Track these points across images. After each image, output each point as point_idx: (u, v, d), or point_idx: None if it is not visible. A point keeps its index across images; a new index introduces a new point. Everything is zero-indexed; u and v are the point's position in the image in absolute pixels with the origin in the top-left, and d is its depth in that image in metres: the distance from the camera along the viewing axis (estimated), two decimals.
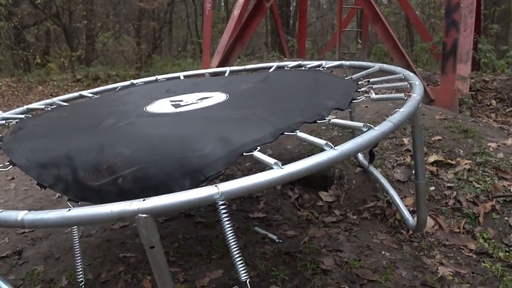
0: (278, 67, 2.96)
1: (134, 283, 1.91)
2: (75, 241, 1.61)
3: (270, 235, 2.24)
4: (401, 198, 2.36)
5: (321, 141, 1.29)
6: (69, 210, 1.09)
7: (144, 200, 1.07)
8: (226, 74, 3.01)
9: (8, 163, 1.67)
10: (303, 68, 2.70)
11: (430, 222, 2.26)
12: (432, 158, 2.67)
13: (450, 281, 1.85)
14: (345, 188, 2.63)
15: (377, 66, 2.31)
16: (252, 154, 1.37)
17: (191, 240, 2.22)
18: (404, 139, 2.92)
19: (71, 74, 12.28)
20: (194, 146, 1.50)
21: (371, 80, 1.91)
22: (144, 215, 1.06)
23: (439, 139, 2.89)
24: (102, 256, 2.12)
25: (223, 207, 1.10)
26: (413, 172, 2.55)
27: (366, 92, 1.83)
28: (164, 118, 1.90)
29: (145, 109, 2.08)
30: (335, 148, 1.24)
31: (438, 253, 2.07)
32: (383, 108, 3.40)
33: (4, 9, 11.34)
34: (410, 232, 2.24)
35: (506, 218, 2.26)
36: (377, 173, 2.52)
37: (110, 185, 1.50)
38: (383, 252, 2.08)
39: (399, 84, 1.86)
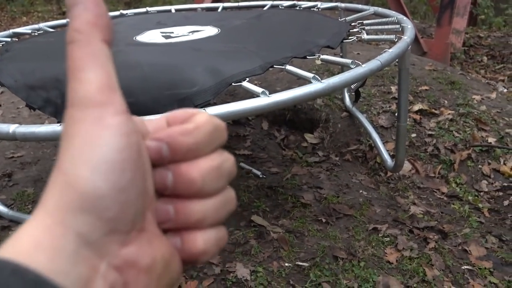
0: (272, 6, 2.91)
1: None
2: None
3: (255, 170, 2.32)
4: (383, 143, 2.44)
5: (309, 74, 1.32)
6: (60, 125, 1.12)
7: None
8: (219, 10, 2.95)
9: None
10: (297, 8, 2.66)
11: (408, 166, 2.37)
12: (417, 107, 2.74)
13: (419, 219, 1.98)
14: (330, 131, 2.69)
15: (372, 9, 2.29)
16: (241, 85, 1.39)
17: None
18: (392, 87, 2.96)
19: (57, 6, 11.77)
20: (184, 75, 1.52)
21: (365, 22, 1.91)
22: None
23: (426, 89, 2.94)
24: None
25: None
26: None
27: (358, 33, 1.84)
28: (154, 47, 1.89)
29: (135, 38, 2.06)
30: (322, 81, 1.27)
31: (412, 194, 2.19)
32: (375, 56, 3.39)
33: None
34: (388, 174, 2.35)
35: (479, 166, 2.37)
36: (362, 117, 2.58)
37: None
38: (360, 191, 2.19)
39: (391, 27, 1.86)
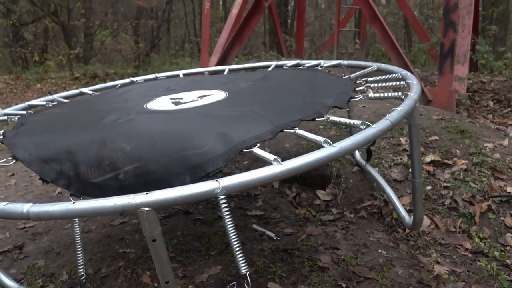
0: (277, 66, 2.99)
1: (134, 278, 1.93)
2: (77, 233, 1.62)
3: (268, 232, 2.26)
4: (398, 197, 2.38)
5: (320, 138, 1.31)
6: (74, 202, 1.10)
7: (146, 194, 1.09)
8: (225, 73, 3.04)
9: (11, 158, 1.69)
10: (301, 67, 2.73)
11: (426, 221, 2.29)
12: (429, 158, 2.70)
13: (445, 280, 1.87)
14: (342, 187, 2.65)
15: (375, 65, 2.34)
16: (252, 151, 1.38)
17: (190, 237, 2.24)
18: (401, 139, 2.95)
19: (69, 72, 12.28)
20: (194, 142, 1.53)
21: (369, 79, 1.93)
22: (146, 209, 1.08)
23: (436, 139, 2.92)
24: (102, 251, 2.14)
25: (224, 201, 1.12)
26: (410, 171, 2.58)
27: (363, 91, 1.86)
28: (165, 115, 1.92)
29: (146, 106, 2.10)
30: (334, 145, 1.26)
31: (434, 251, 2.10)
32: (380, 108, 3.43)
33: (3, 7, 11.33)
34: (407, 231, 2.26)
35: (502, 218, 2.29)
36: (374, 172, 2.55)
37: (112, 180, 1.52)
38: (379, 250, 2.11)
39: (396, 83, 1.88)
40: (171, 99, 2.21)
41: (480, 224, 2.27)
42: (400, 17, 14.04)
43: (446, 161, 2.70)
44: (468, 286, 1.83)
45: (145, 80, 3.02)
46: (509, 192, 2.41)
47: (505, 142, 2.96)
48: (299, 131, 1.44)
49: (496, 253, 2.07)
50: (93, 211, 1.09)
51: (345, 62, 2.65)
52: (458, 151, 2.81)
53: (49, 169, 1.64)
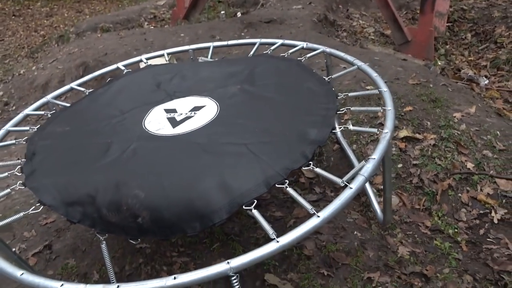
0: (261, 44, 3.07)
1: (153, 274, 2.34)
2: (105, 254, 1.91)
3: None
4: (371, 184, 2.73)
5: (308, 206, 1.60)
6: None
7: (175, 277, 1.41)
8: (210, 53, 3.11)
9: (38, 204, 1.94)
10: (285, 55, 2.82)
11: (395, 199, 2.68)
12: (402, 133, 2.99)
13: (406, 261, 2.33)
14: (324, 165, 2.97)
15: (356, 65, 2.48)
16: (251, 210, 1.68)
17: None
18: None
19: None
20: (198, 191, 1.80)
21: (351, 108, 2.08)
22: None
23: (410, 110, 3.17)
24: (122, 247, 2.51)
25: (236, 280, 1.46)
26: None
27: (343, 121, 2.07)
28: (165, 144, 2.12)
29: (144, 125, 2.28)
30: (318, 215, 1.56)
31: (400, 231, 2.53)
32: (359, 72, 3.57)
33: None
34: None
35: (459, 194, 2.68)
36: (351, 154, 2.85)
37: (132, 223, 1.82)
38: (355, 233, 2.52)
39: (374, 108, 2.09)
40: (165, 111, 2.38)
41: (441, 202, 2.67)
42: None
43: (417, 135, 3.00)
44: (423, 266, 2.30)
45: (131, 64, 3.08)
46: (469, 169, 2.77)
47: (472, 109, 3.23)
48: (289, 190, 1.71)
49: (450, 231, 2.51)
50: None
51: (328, 50, 2.75)
52: (429, 123, 3.09)
53: (74, 211, 1.91)
